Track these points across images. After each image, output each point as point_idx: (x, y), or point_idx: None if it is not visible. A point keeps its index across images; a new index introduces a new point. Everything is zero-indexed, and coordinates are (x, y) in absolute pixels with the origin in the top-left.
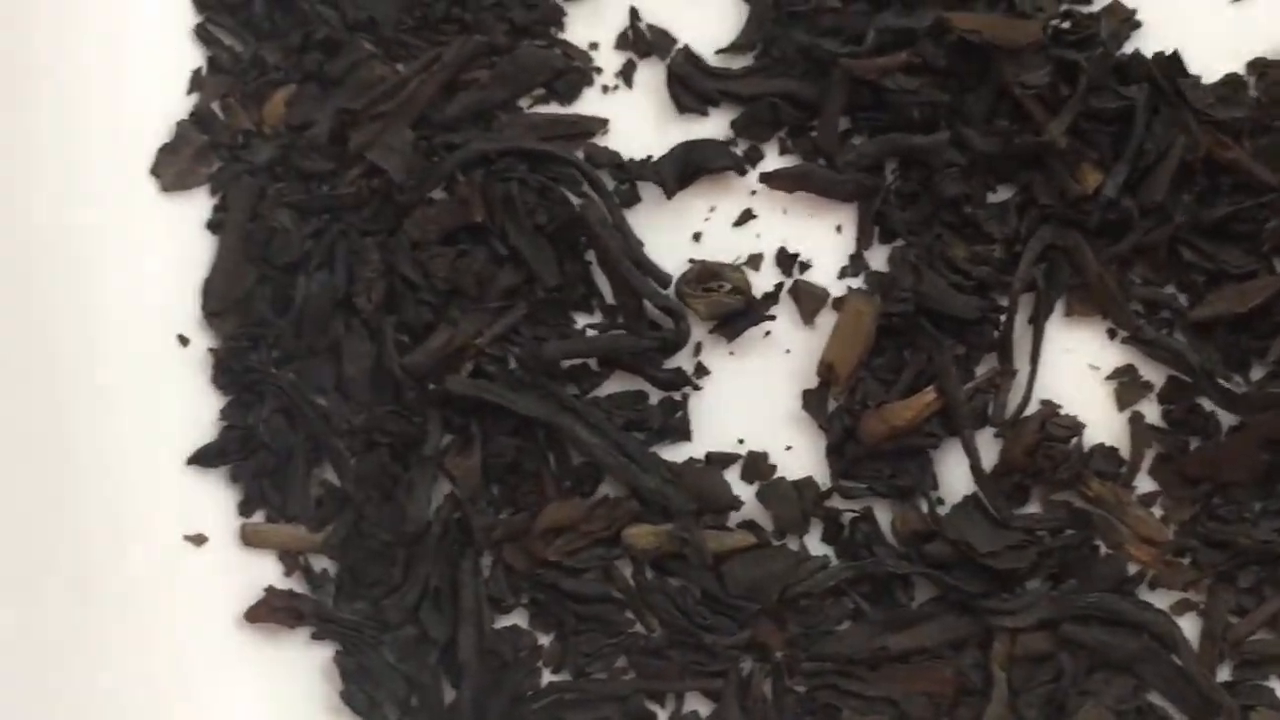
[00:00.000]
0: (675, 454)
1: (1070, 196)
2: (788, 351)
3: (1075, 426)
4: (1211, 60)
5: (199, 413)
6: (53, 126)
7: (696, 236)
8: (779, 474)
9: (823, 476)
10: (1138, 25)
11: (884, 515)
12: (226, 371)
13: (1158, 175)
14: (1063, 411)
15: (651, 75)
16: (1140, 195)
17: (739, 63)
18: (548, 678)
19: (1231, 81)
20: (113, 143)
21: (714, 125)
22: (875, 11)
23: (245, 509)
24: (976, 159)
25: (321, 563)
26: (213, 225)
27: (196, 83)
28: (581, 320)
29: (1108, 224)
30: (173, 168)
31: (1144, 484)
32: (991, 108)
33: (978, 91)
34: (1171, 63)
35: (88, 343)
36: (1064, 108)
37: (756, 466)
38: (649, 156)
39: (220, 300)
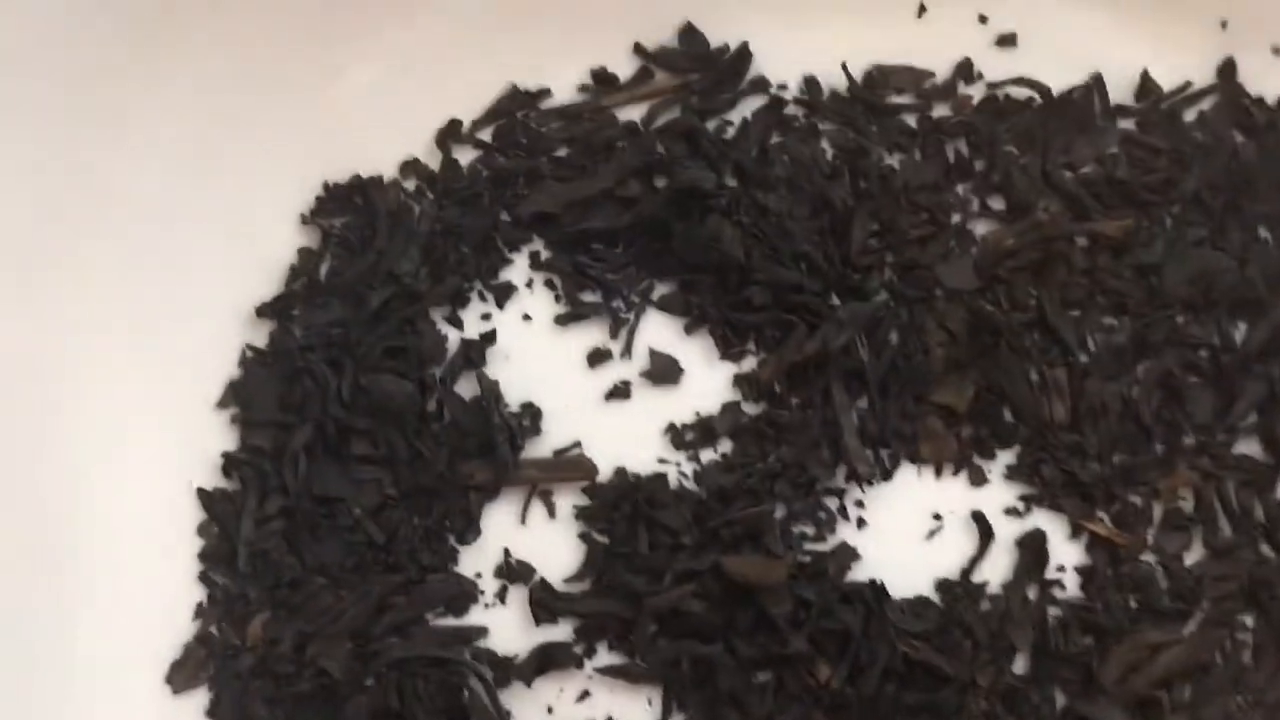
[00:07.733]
0: None
1: (809, 686)
2: None
3: None
4: (910, 579)
5: None
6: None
7: (550, 709)
8: None
9: None
10: (858, 557)
11: None
12: None
13: (870, 672)
14: None
15: (520, 596)
16: (859, 686)
17: (579, 587)
18: None
19: (920, 600)
20: (133, 662)
21: (563, 630)
22: (673, 552)
23: None
24: (744, 662)
25: None
26: (210, 712)
27: (199, 613)
28: None
29: (836, 705)
30: (181, 674)
31: None
32: (756, 622)
33: (745, 610)
34: (878, 590)
35: None
36: (804, 626)
37: None
38: (515, 655)
39: None
